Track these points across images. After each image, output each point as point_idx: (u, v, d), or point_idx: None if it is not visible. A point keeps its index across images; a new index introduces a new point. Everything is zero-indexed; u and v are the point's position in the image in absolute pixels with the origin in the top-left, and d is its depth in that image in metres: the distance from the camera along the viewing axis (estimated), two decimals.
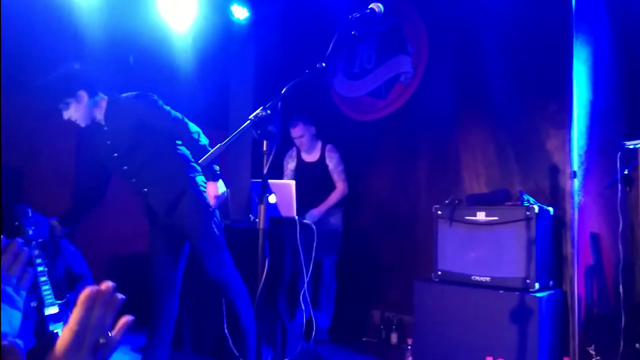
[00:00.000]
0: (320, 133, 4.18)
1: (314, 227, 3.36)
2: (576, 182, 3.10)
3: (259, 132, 1.46)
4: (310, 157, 4.18)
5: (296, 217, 3.32)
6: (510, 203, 3.21)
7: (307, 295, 3.66)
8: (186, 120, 2.76)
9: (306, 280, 3.31)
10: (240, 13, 4.44)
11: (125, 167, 2.78)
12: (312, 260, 3.37)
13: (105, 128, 2.74)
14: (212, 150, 1.36)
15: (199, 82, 4.40)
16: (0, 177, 3.25)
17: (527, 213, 2.99)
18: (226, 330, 3.27)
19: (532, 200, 3.08)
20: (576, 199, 3.10)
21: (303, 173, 4.16)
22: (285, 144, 4.17)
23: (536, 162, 3.39)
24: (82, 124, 2.68)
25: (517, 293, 2.96)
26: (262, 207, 1.44)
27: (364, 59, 4.50)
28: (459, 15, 3.88)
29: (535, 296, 2.90)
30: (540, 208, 3.03)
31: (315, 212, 3.89)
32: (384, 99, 4.36)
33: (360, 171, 4.33)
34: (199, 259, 2.79)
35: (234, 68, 4.69)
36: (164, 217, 2.79)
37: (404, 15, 4.20)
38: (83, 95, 2.60)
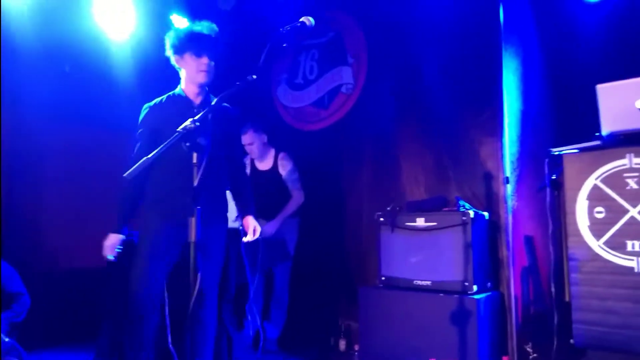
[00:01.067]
0: (272, 141, 4.16)
1: (259, 237, 3.34)
2: (509, 188, 3.25)
3: (188, 144, 1.45)
4: (263, 165, 4.14)
5: (240, 228, 3.29)
6: (447, 209, 3.32)
7: (254, 306, 3.64)
8: None
9: (252, 290, 3.28)
10: (181, 23, 4.39)
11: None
12: (258, 270, 3.34)
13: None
14: (137, 164, 1.34)
15: (141, 91, 4.32)
16: None
17: (463, 218, 3.10)
18: (170, 346, 3.19)
19: (467, 205, 3.19)
20: (509, 203, 3.24)
21: (257, 181, 4.12)
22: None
23: (471, 169, 3.52)
24: None
25: (456, 296, 3.06)
26: (192, 220, 1.43)
27: (307, 70, 4.55)
28: (397, 28, 3.99)
29: (473, 298, 3.00)
30: (476, 213, 3.14)
31: (269, 228, 3.83)
32: (326, 109, 4.42)
33: (305, 180, 4.35)
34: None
35: (177, 77, 4.61)
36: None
37: (344, 27, 4.29)
38: None
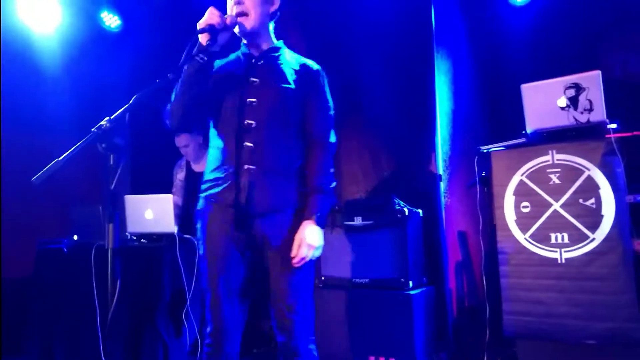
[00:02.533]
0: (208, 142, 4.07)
1: (195, 241, 3.27)
2: (442, 185, 3.34)
3: (104, 145, 1.38)
4: (199, 166, 4.05)
5: (176, 232, 3.21)
6: (383, 207, 3.37)
7: (192, 313, 3.55)
8: None
9: (189, 297, 3.20)
10: (111, 20, 4.24)
11: None
12: (195, 275, 3.27)
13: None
14: (48, 166, 1.26)
15: (69, 86, 4.18)
16: None
17: (399, 216, 3.15)
18: (102, 357, 3.07)
19: (402, 203, 3.25)
20: (442, 200, 3.33)
21: (194, 183, 4.02)
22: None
23: (406, 168, 3.60)
24: None
25: (392, 292, 3.10)
26: (110, 226, 1.36)
27: None
28: (334, 29, 4.01)
29: (409, 294, 3.06)
30: (410, 210, 3.20)
31: None
32: None
33: None
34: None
35: (107, 74, 4.47)
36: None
37: (284, 29, 4.26)
38: None
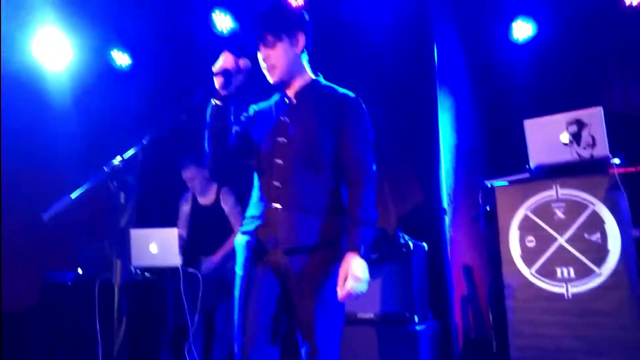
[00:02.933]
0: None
1: (199, 275, 3.27)
2: (446, 219, 3.35)
3: (115, 183, 1.41)
4: (205, 200, 4.07)
5: (180, 266, 3.21)
6: (388, 241, 3.37)
7: (194, 346, 3.52)
8: None
9: (191, 331, 3.18)
10: (121, 59, 4.36)
11: None
12: (199, 310, 3.25)
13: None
14: (57, 204, 1.29)
15: (78, 121, 4.28)
16: None
17: (403, 250, 3.15)
18: None
19: (406, 237, 3.26)
20: (447, 234, 3.34)
21: (199, 216, 4.04)
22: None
23: (410, 201, 3.61)
24: None
25: (398, 327, 3.07)
26: (118, 263, 1.37)
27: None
28: (339, 67, 4.07)
29: (415, 330, 3.03)
30: (415, 244, 3.20)
31: (210, 263, 3.74)
32: None
33: None
34: None
35: (115, 110, 4.56)
36: None
37: None
38: None
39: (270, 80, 1.91)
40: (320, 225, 1.81)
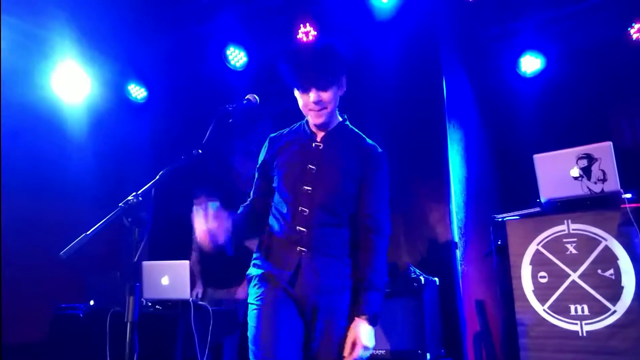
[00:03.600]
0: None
1: (209, 308, 3.26)
2: (458, 253, 3.33)
3: (130, 219, 1.44)
4: None
5: (191, 299, 3.21)
6: (399, 275, 3.35)
7: None
8: None
9: None
10: (138, 92, 4.46)
11: None
12: (209, 343, 3.24)
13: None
14: (75, 242, 1.32)
15: (93, 152, 4.38)
16: None
17: (415, 284, 3.13)
18: None
19: (418, 271, 3.24)
20: (459, 268, 3.31)
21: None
22: None
23: (421, 235, 3.60)
24: None
25: None
26: (131, 299, 1.39)
27: (260, 139, 4.65)
28: (349, 100, 4.15)
29: None
30: (426, 279, 3.18)
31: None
32: None
33: None
34: None
35: (130, 141, 4.66)
36: None
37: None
38: None
39: (316, 121, 1.89)
40: (341, 267, 1.83)
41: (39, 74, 4.19)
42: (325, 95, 1.85)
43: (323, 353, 1.78)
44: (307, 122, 1.99)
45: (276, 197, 1.95)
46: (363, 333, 1.72)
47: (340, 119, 2.00)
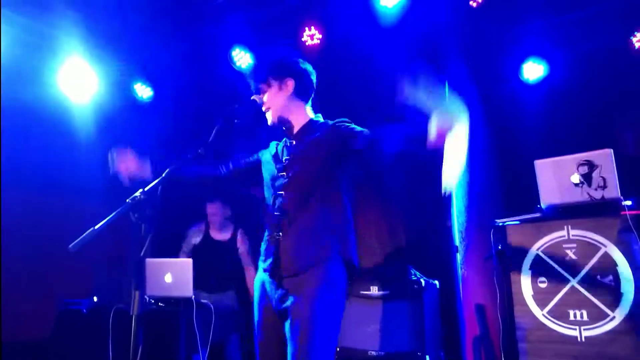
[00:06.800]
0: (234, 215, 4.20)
1: (211, 306, 3.30)
2: (459, 256, 3.35)
3: (136, 215, 1.47)
4: (221, 235, 4.15)
5: (193, 297, 3.24)
6: (400, 277, 3.37)
7: None
8: None
9: None
10: (144, 91, 4.50)
11: None
12: (210, 340, 3.27)
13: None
14: (83, 235, 1.35)
15: (100, 151, 4.42)
16: None
17: (415, 286, 3.15)
18: None
19: (418, 274, 3.26)
20: (459, 272, 3.33)
21: (211, 250, 4.10)
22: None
23: (422, 238, 3.62)
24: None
25: None
26: (136, 293, 1.42)
27: (265, 139, 4.68)
28: (355, 108, 4.19)
29: None
30: (427, 281, 3.20)
31: None
32: None
33: None
34: None
35: (136, 140, 4.70)
36: None
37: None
38: None
39: (268, 122, 2.10)
40: (313, 248, 1.91)
41: (46, 72, 4.23)
42: (264, 98, 2.07)
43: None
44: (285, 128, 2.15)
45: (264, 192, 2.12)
46: None
47: (312, 117, 2.14)
